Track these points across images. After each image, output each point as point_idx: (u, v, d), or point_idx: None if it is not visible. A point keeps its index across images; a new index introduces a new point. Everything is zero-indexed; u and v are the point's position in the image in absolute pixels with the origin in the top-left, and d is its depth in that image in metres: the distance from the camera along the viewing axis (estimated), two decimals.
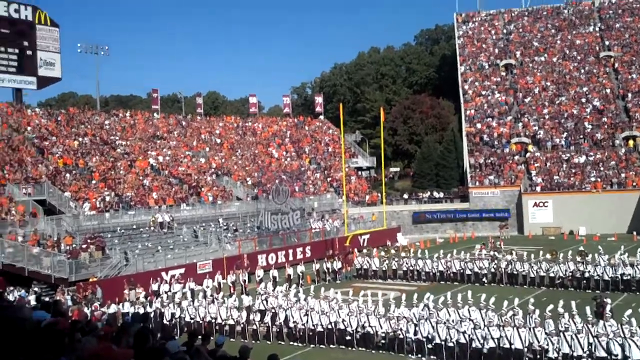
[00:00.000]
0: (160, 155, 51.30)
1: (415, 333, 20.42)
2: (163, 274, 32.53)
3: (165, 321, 24.99)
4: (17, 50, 49.93)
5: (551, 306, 20.25)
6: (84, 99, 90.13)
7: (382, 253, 38.34)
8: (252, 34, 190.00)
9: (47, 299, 23.38)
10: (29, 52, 50.76)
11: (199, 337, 12.89)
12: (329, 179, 60.51)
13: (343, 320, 22.31)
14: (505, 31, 77.31)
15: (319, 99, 79.15)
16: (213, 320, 24.81)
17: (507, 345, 18.44)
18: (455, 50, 75.46)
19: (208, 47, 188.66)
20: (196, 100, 74.75)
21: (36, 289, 29.00)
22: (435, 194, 59.05)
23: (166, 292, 29.15)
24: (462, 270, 32.67)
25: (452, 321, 20.00)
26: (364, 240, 46.40)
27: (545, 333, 18.40)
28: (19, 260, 31.29)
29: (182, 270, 33.59)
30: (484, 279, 31.95)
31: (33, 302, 19.64)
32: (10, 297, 24.10)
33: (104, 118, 56.02)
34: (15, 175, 38.93)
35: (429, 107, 77.08)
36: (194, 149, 56.04)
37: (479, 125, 62.86)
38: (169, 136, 57.17)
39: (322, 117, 76.85)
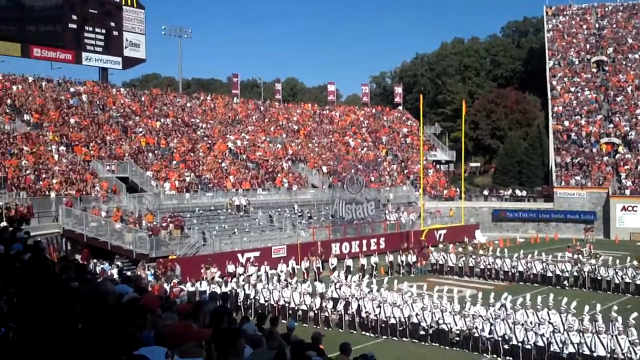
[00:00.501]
0: (238, 139, 51.86)
1: (491, 332, 19.94)
2: (239, 255, 32.80)
3: (239, 302, 25.17)
4: (104, 31, 51.47)
5: (635, 314, 19.00)
6: (166, 81, 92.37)
7: (459, 249, 37.30)
8: (333, 22, 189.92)
9: (128, 273, 23.94)
10: (115, 33, 52.23)
11: (268, 319, 12.78)
12: (405, 171, 59.59)
13: (417, 315, 21.89)
14: (597, 26, 73.73)
15: (399, 89, 78.04)
16: (286, 305, 24.81)
17: (588, 352, 17.53)
18: (544, 44, 72.57)
19: (289, 34, 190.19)
20: (275, 86, 75.21)
21: (118, 263, 29.77)
22: (518, 192, 57.18)
23: (241, 274, 29.36)
24: (543, 272, 31.40)
25: (530, 323, 19.35)
26: (440, 235, 45.39)
27: (629, 341, 17.30)
28: (102, 235, 32.24)
29: (257, 254, 33.79)
30: (566, 282, 30.59)
31: (115, 276, 20.08)
32: (95, 270, 24.79)
33: (185, 100, 57.13)
34: (100, 152, 40.17)
35: (514, 101, 74.68)
36: (271, 135, 56.37)
37: (566, 123, 60.30)
38: (248, 121, 57.73)
39: (400, 107, 75.77)
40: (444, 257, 34.92)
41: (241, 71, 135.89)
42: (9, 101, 42.14)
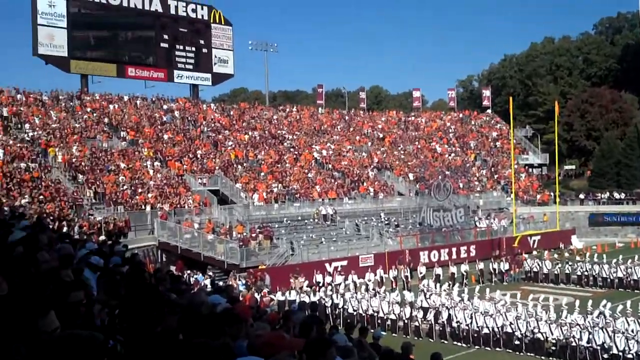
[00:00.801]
0: (324, 149, 52.26)
1: (589, 342, 19.16)
2: (326, 265, 32.98)
3: (328, 311, 25.27)
4: (194, 48, 53.32)
5: None
6: (254, 95, 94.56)
7: (555, 256, 36.04)
8: (417, 27, 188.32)
9: (220, 283, 24.59)
10: (204, 50, 53.99)
11: (357, 329, 12.75)
12: (496, 176, 58.03)
13: (511, 324, 21.35)
14: None
15: (487, 92, 76.20)
16: (375, 314, 24.73)
17: None
18: None
19: (371, 42, 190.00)
20: (359, 94, 75.37)
21: (210, 273, 30.63)
22: (616, 195, 54.49)
23: (329, 283, 29.49)
24: None
25: (632, 331, 18.42)
26: (534, 241, 43.83)
27: None
28: (195, 246, 33.29)
29: (344, 263, 33.82)
30: None
31: (208, 286, 20.68)
32: (189, 281, 25.60)
33: (272, 113, 58.22)
34: (192, 166, 41.58)
35: (610, 100, 71.38)
36: (356, 144, 56.44)
37: None
38: (333, 130, 58.09)
39: (489, 111, 73.95)
40: (538, 264, 33.81)
41: (326, 82, 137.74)
42: (106, 120, 44.42)
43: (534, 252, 39.88)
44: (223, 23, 55.52)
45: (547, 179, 62.64)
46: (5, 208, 20.83)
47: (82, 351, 2.11)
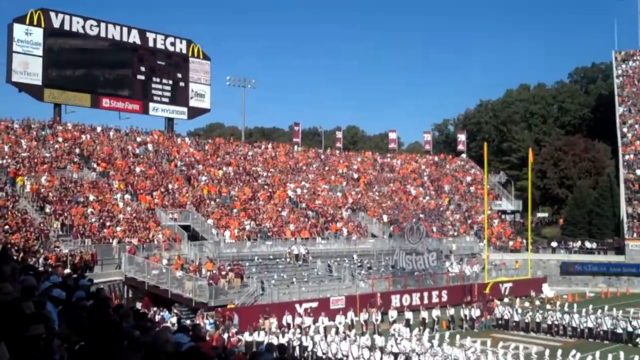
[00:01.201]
0: (298, 188, 51.99)
1: None
2: (297, 306, 32.34)
3: (297, 354, 24.64)
4: (171, 82, 53.19)
5: None
6: (229, 130, 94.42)
7: (526, 304, 35.83)
8: (394, 70, 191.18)
9: (187, 321, 23.89)
10: (181, 84, 53.88)
11: None
12: (469, 221, 58.21)
13: None
14: None
15: (462, 137, 77.03)
16: (344, 358, 24.14)
17: None
18: (614, 90, 70.55)
19: (349, 82, 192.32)
20: (336, 134, 75.65)
21: (176, 311, 29.80)
22: (587, 244, 54.89)
23: (299, 325, 28.87)
24: (613, 328, 29.83)
25: None
26: (505, 288, 43.72)
27: None
28: (163, 282, 32.47)
29: (315, 304, 33.22)
30: (639, 340, 28.77)
31: (175, 324, 20.00)
32: (154, 318, 24.81)
33: (247, 149, 57.95)
34: (164, 200, 40.91)
35: (583, 149, 72.55)
36: (331, 183, 56.31)
37: (638, 172, 57.88)
38: (308, 169, 57.96)
39: (464, 155, 74.66)
40: (509, 312, 33.60)
41: (303, 120, 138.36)
42: (77, 150, 43.69)
43: (505, 299, 39.72)
44: (201, 57, 55.58)
45: (520, 225, 63.00)
46: None
47: None
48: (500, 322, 33.70)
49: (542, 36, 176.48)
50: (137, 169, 44.29)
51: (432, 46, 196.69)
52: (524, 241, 52.79)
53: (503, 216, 64.41)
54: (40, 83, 45.67)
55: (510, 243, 54.88)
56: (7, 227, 30.43)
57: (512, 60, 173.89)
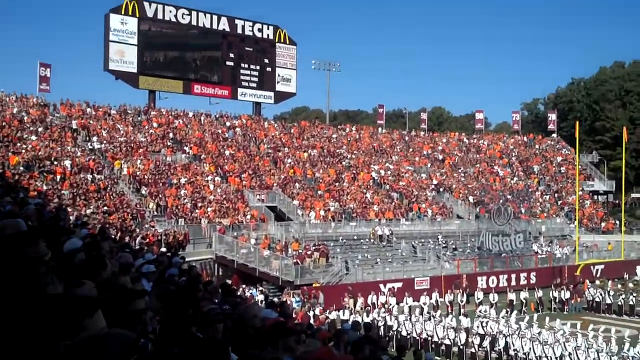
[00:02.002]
0: (382, 169, 52.09)
1: None
2: (381, 286, 32.70)
3: (381, 333, 25.02)
4: (258, 67, 54.34)
5: None
6: (314, 113, 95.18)
7: (619, 286, 34.67)
8: (481, 48, 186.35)
9: (275, 299, 24.74)
10: (268, 69, 54.93)
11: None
12: (559, 202, 56.46)
13: (570, 354, 20.57)
14: None
15: (553, 116, 74.38)
16: (429, 338, 24.36)
17: None
18: None
19: (434, 62, 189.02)
20: (420, 115, 74.83)
21: (262, 288, 30.84)
22: None
23: (383, 304, 29.23)
24: None
25: None
26: (597, 270, 42.32)
27: None
28: (251, 261, 33.65)
29: (399, 285, 33.49)
30: None
31: (262, 302, 20.83)
32: (244, 295, 25.85)
33: (332, 132, 58.50)
34: (251, 182, 42.16)
35: None
36: (415, 164, 56.02)
37: None
38: (392, 151, 57.86)
39: (554, 135, 72.17)
40: (601, 294, 32.70)
41: (387, 102, 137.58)
42: (171, 135, 45.62)
43: (597, 282, 38.52)
44: (287, 42, 56.38)
45: (613, 206, 60.44)
46: (71, 217, 21.56)
47: (113, 348, 2.16)
48: (591, 304, 32.90)
49: (637, 11, 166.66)
50: (227, 152, 45.79)
51: (521, 23, 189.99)
52: (617, 222, 50.73)
53: (595, 197, 61.91)
54: (135, 71, 47.88)
55: (603, 224, 52.85)
56: (105, 208, 32.39)
57: (606, 37, 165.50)
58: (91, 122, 43.28)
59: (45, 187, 31.47)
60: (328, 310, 27.14)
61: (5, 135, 36.10)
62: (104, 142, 40.93)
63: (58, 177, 34.01)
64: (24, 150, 35.30)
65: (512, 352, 22.08)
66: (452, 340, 23.83)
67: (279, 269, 32.70)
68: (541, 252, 44.26)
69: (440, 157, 59.81)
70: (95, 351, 2.13)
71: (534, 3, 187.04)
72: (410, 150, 59.66)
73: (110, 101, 66.41)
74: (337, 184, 46.67)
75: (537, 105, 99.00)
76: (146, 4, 48.78)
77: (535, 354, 21.28)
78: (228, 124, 51.45)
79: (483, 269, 39.57)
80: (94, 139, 41.05)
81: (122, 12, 47.51)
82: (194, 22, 50.99)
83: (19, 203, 14.36)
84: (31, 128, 38.95)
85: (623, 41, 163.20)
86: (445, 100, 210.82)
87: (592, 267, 42.28)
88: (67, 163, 35.76)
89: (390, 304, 29.50)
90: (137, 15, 48.04)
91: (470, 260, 40.21)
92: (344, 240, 39.19)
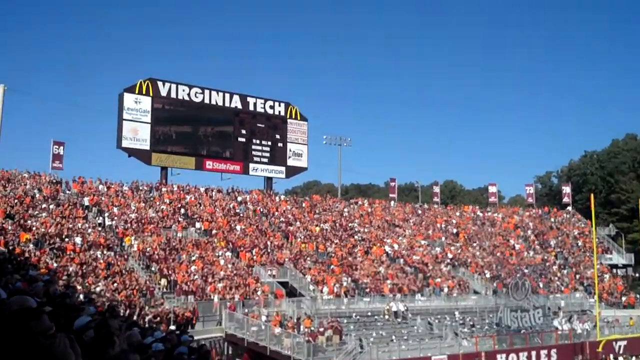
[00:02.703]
0: (395, 243, 51.45)
1: None
2: None
3: None
4: (270, 143, 54.84)
5: None
6: (326, 187, 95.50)
7: None
8: (493, 124, 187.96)
9: None
10: (280, 144, 55.42)
11: None
12: (577, 276, 55.20)
13: None
14: None
15: (567, 189, 73.99)
16: None
17: None
18: None
19: (447, 136, 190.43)
20: (433, 189, 74.70)
21: None
22: None
23: None
24: None
25: None
26: (619, 347, 40.79)
27: None
28: (262, 339, 32.67)
29: None
30: None
31: None
32: None
33: (344, 205, 58.29)
34: (262, 257, 41.64)
35: None
36: (429, 238, 55.36)
37: None
38: (405, 224, 57.38)
39: (570, 208, 71.52)
40: None
41: (399, 175, 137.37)
42: (182, 210, 45.55)
43: (620, 358, 37.00)
44: (299, 118, 57.10)
45: (633, 280, 58.97)
46: (80, 295, 21.15)
47: None
48: None
49: None
50: (238, 227, 45.51)
51: (530, 96, 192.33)
52: (638, 296, 49.28)
53: (614, 270, 60.58)
54: (148, 148, 48.39)
55: (624, 298, 51.40)
56: (115, 284, 31.93)
57: (617, 109, 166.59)
58: (103, 198, 43.40)
59: (55, 264, 31.22)
60: None
61: (16, 212, 36.15)
62: (115, 218, 40.87)
63: (68, 253, 33.76)
64: (34, 227, 35.25)
65: None
66: None
67: (291, 348, 31.69)
68: (561, 328, 42.84)
69: (455, 230, 59.16)
70: None
71: (543, 77, 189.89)
72: (424, 223, 59.12)
73: (122, 178, 66.91)
74: (349, 258, 46.00)
75: (551, 178, 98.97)
76: (160, 84, 49.85)
77: None
78: (239, 198, 51.43)
79: (502, 346, 38.22)
80: (105, 215, 41.01)
81: (137, 92, 48.51)
82: (206, 100, 51.89)
83: (28, 280, 14.10)
84: (43, 205, 39.05)
85: (635, 113, 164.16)
86: (458, 174, 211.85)
87: (614, 343, 40.81)
88: (78, 240, 35.58)
89: None
90: (151, 94, 49.00)
91: (489, 337, 38.93)
92: (358, 317, 38.19)
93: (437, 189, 73.47)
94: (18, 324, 3.30)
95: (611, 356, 35.73)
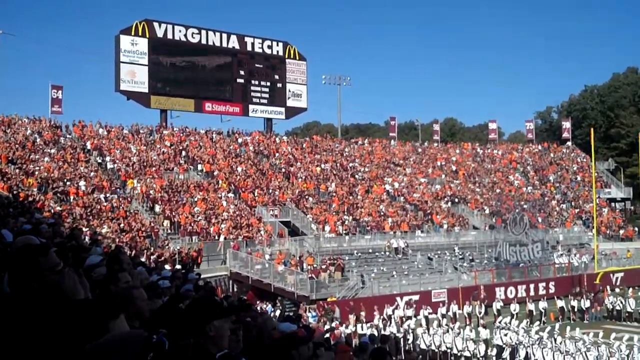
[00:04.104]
0: (395, 182, 51.84)
1: None
2: (398, 299, 32.35)
3: (400, 346, 24.71)
4: (268, 83, 54.45)
5: None
6: (326, 128, 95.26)
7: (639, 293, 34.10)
8: (492, 58, 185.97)
9: (291, 314, 24.52)
10: (279, 85, 55.04)
11: None
12: (576, 210, 55.86)
13: None
14: None
15: (567, 124, 73.93)
16: (448, 350, 23.99)
17: None
18: None
19: (445, 74, 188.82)
20: (433, 127, 74.65)
21: (278, 304, 30.62)
22: None
23: (401, 317, 28.89)
24: None
25: None
26: (617, 278, 41.70)
27: None
28: (266, 277, 33.45)
29: (416, 297, 33.10)
30: None
31: (277, 317, 20.63)
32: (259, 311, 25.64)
33: (344, 145, 58.41)
34: (264, 198, 42.07)
35: None
36: (429, 176, 55.71)
37: None
38: (405, 163, 57.64)
39: (569, 143, 71.63)
40: (621, 302, 32.16)
41: (398, 114, 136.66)
42: (183, 153, 45.72)
43: (617, 290, 37.91)
44: (297, 58, 56.50)
45: (631, 213, 59.67)
46: (85, 237, 21.54)
47: (130, 348, 2.30)
48: (611, 313, 32.36)
49: None
50: (239, 169, 45.78)
51: (531, 32, 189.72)
52: (636, 229, 50.05)
53: (613, 204, 61.25)
54: (146, 90, 48.10)
55: (621, 232, 52.19)
56: (120, 226, 32.42)
57: (618, 43, 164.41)
58: (104, 142, 43.49)
59: (59, 208, 31.59)
60: (345, 325, 26.86)
61: (18, 157, 36.33)
62: (117, 161, 41.07)
63: (72, 197, 34.12)
64: (37, 172, 35.48)
65: None
66: (471, 352, 23.49)
67: (295, 284, 32.47)
68: (559, 262, 43.68)
69: (454, 168, 59.47)
70: (114, 352, 2.28)
71: (544, 12, 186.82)
72: (424, 162, 59.38)
73: (122, 121, 66.90)
74: (350, 197, 46.46)
75: (551, 113, 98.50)
76: (156, 25, 49.12)
77: None
78: (240, 140, 51.50)
79: (501, 279, 39.09)
80: (107, 158, 41.20)
81: (132, 33, 47.85)
82: (203, 41, 51.23)
83: (34, 223, 14.38)
84: (44, 150, 39.18)
85: (636, 47, 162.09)
86: (458, 111, 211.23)
87: (611, 275, 41.68)
88: (82, 183, 35.88)
89: (408, 317, 29.15)
90: (147, 36, 48.36)
91: (488, 271, 39.75)
92: (359, 254, 38.90)
93: (437, 127, 73.41)
94: (26, 260, 3.30)
95: (608, 288, 36.39)
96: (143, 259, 25.78)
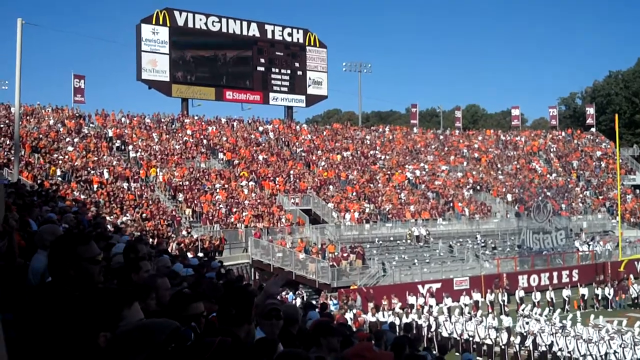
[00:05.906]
0: (417, 169, 51.59)
1: None
2: (419, 287, 32.29)
3: (423, 333, 24.69)
4: (289, 71, 54.38)
5: None
6: (347, 115, 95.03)
7: None
8: (516, 44, 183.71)
9: (312, 302, 24.62)
10: (299, 73, 54.94)
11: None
12: (600, 197, 55.16)
13: (615, 352, 20.02)
14: None
15: (591, 110, 72.88)
16: (470, 338, 23.92)
17: None
18: None
19: (467, 60, 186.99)
20: (455, 114, 74.02)
21: (300, 292, 30.71)
22: None
23: (422, 305, 28.85)
24: None
25: None
26: None
27: None
28: (287, 265, 33.56)
29: (438, 285, 33.00)
30: None
31: (299, 304, 20.69)
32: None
33: (365, 133, 58.21)
34: (285, 186, 42.14)
35: None
36: (451, 164, 55.35)
37: None
38: (426, 150, 57.31)
39: (593, 129, 70.64)
40: None
41: (420, 101, 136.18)
42: (204, 141, 45.92)
43: None
44: (318, 46, 56.32)
45: None
46: (108, 225, 21.77)
47: (153, 337, 2.26)
48: (636, 301, 31.97)
49: None
50: (260, 157, 45.89)
51: (554, 16, 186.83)
52: None
53: (637, 191, 60.34)
54: (167, 79, 48.35)
55: None
56: (142, 215, 32.69)
57: None
58: (126, 131, 43.82)
59: (82, 197, 31.92)
60: (367, 312, 26.89)
61: (42, 147, 36.75)
62: (139, 150, 41.38)
63: (95, 186, 34.46)
64: (61, 161, 35.88)
65: (556, 351, 21.51)
66: (493, 340, 23.39)
67: (316, 272, 32.56)
68: (583, 249, 43.23)
69: (477, 155, 58.99)
70: (137, 340, 2.25)
71: None
72: (446, 149, 58.98)
73: (144, 110, 67.27)
74: (371, 185, 46.35)
75: (575, 99, 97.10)
76: (176, 13, 49.25)
77: (579, 352, 20.71)
78: (261, 128, 51.58)
79: (524, 267, 38.82)
80: (130, 147, 41.53)
81: (153, 22, 48.04)
82: (224, 29, 51.27)
83: (58, 212, 14.55)
84: (67, 139, 39.58)
85: None
86: (480, 98, 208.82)
87: (636, 262, 41.13)
88: (105, 172, 36.23)
89: (430, 305, 29.10)
90: (168, 25, 48.51)
91: (511, 259, 39.50)
92: (380, 242, 38.85)
93: (459, 114, 72.75)
94: (66, 248, 3.22)
95: (632, 276, 35.98)
96: (166, 248, 26.06)
